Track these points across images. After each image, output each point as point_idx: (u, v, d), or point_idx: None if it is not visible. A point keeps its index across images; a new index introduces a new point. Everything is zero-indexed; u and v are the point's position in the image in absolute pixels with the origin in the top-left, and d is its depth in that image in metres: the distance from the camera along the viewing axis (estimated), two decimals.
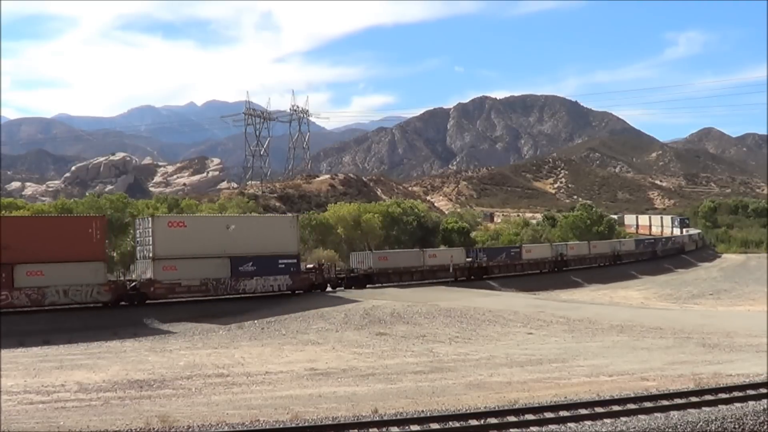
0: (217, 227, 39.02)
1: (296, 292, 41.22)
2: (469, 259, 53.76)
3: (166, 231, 36.63)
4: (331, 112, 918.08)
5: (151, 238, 36.15)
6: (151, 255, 36.07)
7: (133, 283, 36.71)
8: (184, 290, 36.86)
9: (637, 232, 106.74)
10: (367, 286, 45.73)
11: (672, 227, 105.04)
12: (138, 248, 37.95)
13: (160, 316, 34.57)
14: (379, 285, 46.50)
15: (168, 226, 36.98)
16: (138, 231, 38.29)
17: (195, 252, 36.88)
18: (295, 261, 40.85)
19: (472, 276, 53.12)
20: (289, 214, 50.21)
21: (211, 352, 26.85)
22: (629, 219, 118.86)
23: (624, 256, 73.36)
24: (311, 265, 44.53)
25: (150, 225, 36.58)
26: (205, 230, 38.42)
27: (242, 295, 39.07)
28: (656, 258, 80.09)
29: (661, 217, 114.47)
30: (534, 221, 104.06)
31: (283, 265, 40.16)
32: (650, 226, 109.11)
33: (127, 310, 35.30)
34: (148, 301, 36.09)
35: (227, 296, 38.65)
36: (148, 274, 36.18)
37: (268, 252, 39.39)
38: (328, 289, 43.75)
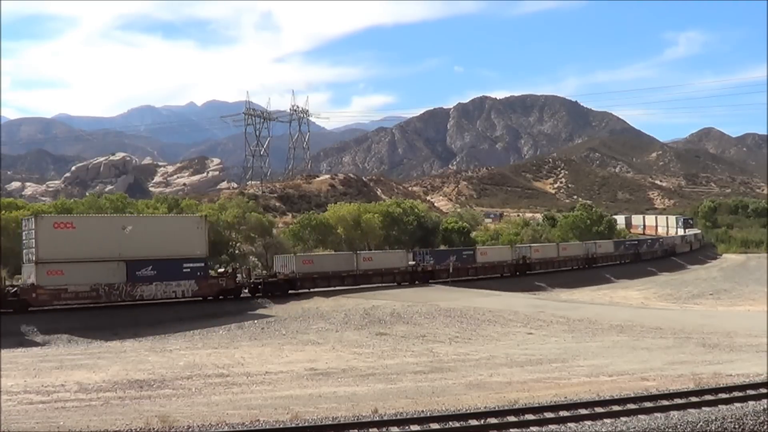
0: (110, 228, 36.26)
1: (208, 299, 38.65)
2: (413, 263, 49.63)
3: (52, 232, 34.01)
4: (331, 112, 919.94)
5: (34, 240, 33.54)
6: (34, 258, 33.45)
7: (15, 289, 34.19)
8: (71, 296, 34.07)
9: (644, 233, 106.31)
10: (290, 292, 41.92)
11: (676, 227, 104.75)
12: (24, 251, 35.19)
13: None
14: (305, 291, 42.58)
15: (54, 227, 34.36)
16: (24, 233, 35.61)
17: (85, 255, 34.21)
18: (202, 265, 38.12)
19: (416, 281, 48.61)
20: (197, 214, 46.29)
21: (211, 352, 26.86)
22: (636, 219, 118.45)
23: (600, 259, 69.07)
24: (222, 269, 42.02)
25: (33, 226, 33.97)
26: (96, 231, 35.66)
27: (139, 302, 36.34)
28: (639, 261, 75.63)
29: (667, 218, 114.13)
30: (533, 221, 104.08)
31: (189, 270, 37.34)
32: (656, 226, 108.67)
33: (4, 318, 32.02)
34: (30, 309, 33.47)
35: (123, 303, 35.97)
36: (32, 279, 33.67)
37: (170, 255, 36.65)
38: (248, 295, 40.86)
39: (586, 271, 65.19)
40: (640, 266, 72.99)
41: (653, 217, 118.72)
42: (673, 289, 58.36)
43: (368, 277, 46.13)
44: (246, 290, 41.27)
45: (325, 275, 44.20)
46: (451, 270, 50.43)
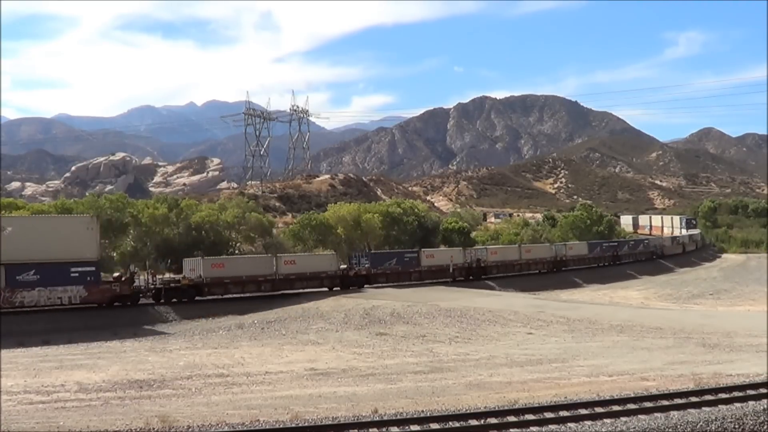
0: None
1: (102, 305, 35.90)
2: (344, 267, 46.90)
3: None
4: (331, 112, 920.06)
5: None
6: None
7: None
8: None
9: (650, 233, 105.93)
10: (197, 298, 39.00)
11: (680, 228, 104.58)
12: None
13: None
14: (216, 297, 39.76)
15: None
16: None
17: None
18: (93, 269, 35.40)
19: (349, 286, 45.07)
20: (86, 214, 42.34)
21: (211, 352, 26.86)
22: (643, 220, 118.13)
23: (571, 262, 64.89)
24: (117, 273, 39.43)
25: None
26: None
27: (20, 309, 33.62)
28: (618, 264, 71.34)
29: (672, 218, 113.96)
30: (533, 221, 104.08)
31: (77, 274, 34.57)
32: (662, 227, 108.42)
33: None
34: None
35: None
36: None
37: (56, 258, 33.93)
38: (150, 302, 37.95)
39: (552, 275, 60.80)
40: (619, 269, 69.25)
41: (659, 217, 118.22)
42: (673, 289, 58.35)
43: (290, 282, 42.30)
44: (150, 296, 37.98)
45: (238, 280, 40.42)
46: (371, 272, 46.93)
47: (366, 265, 47.13)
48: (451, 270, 52.05)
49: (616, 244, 75.12)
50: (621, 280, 64.15)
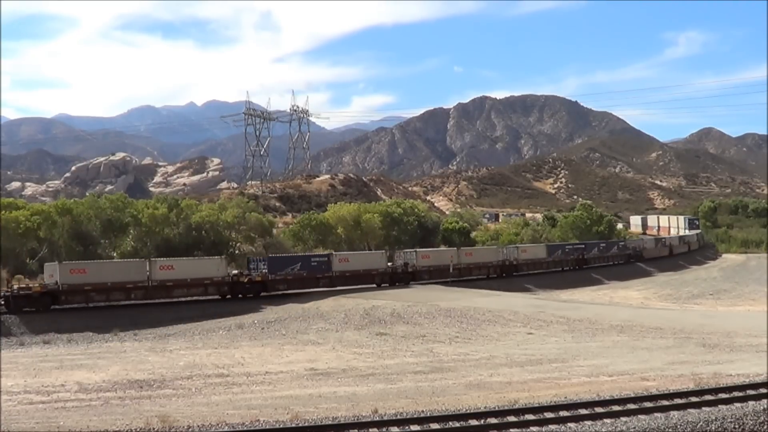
0: None
1: None
2: (236, 272, 42.02)
3: None
4: (331, 112, 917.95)
5: None
6: None
7: None
8: None
9: (658, 233, 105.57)
10: (53, 307, 35.14)
11: (684, 228, 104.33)
12: None
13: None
14: (82, 306, 36.15)
15: None
16: None
17: None
18: None
19: (240, 294, 40.88)
20: None
21: (211, 352, 26.87)
22: (651, 220, 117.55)
23: (524, 266, 58.88)
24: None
25: None
26: None
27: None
28: (585, 268, 65.78)
29: (677, 218, 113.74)
30: (533, 221, 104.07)
31: None
32: (669, 227, 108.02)
33: None
34: None
35: None
36: None
37: None
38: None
39: (500, 280, 54.98)
40: (584, 273, 63.94)
41: (666, 218, 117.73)
42: (673, 289, 58.36)
43: (167, 289, 38.46)
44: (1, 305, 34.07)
45: (103, 287, 36.34)
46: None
47: (264, 270, 42.05)
48: (375, 275, 47.02)
49: (583, 246, 68.50)
50: (583, 285, 58.77)
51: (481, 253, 58.22)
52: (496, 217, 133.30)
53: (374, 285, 46.69)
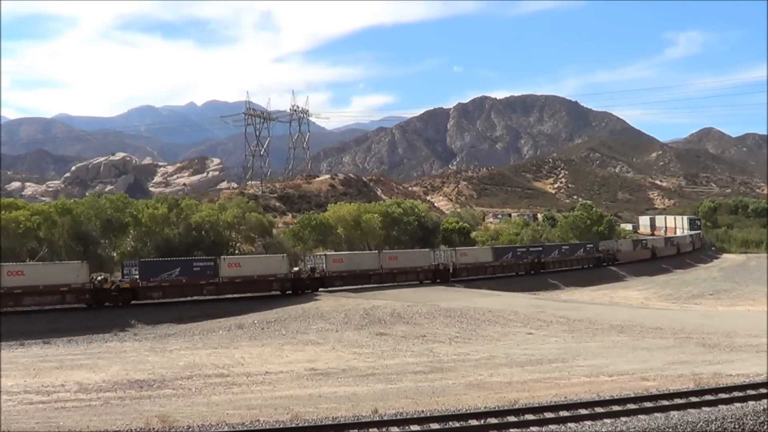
0: None
1: None
2: (100, 278, 38.52)
3: None
4: (331, 112, 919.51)
5: None
6: None
7: None
8: None
9: (665, 234, 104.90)
10: None
11: (685, 228, 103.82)
12: None
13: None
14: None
15: None
16: None
17: None
18: None
19: (106, 302, 37.31)
20: None
21: (211, 352, 26.87)
22: (659, 221, 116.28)
23: (465, 271, 53.18)
24: None
25: None
26: None
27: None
28: (543, 272, 60.07)
29: (683, 218, 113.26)
30: (534, 222, 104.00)
31: None
32: (675, 228, 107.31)
33: None
34: None
35: None
36: None
37: None
38: None
39: (429, 287, 49.32)
40: (539, 279, 58.39)
41: (672, 218, 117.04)
42: (673, 289, 58.35)
43: (15, 297, 34.78)
44: None
45: None
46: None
47: (134, 277, 38.21)
48: (272, 282, 42.45)
49: (540, 249, 63.43)
50: (532, 290, 52.98)
51: (408, 257, 51.29)
52: (510, 215, 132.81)
53: (272, 293, 42.01)
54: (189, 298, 39.66)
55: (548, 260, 61.90)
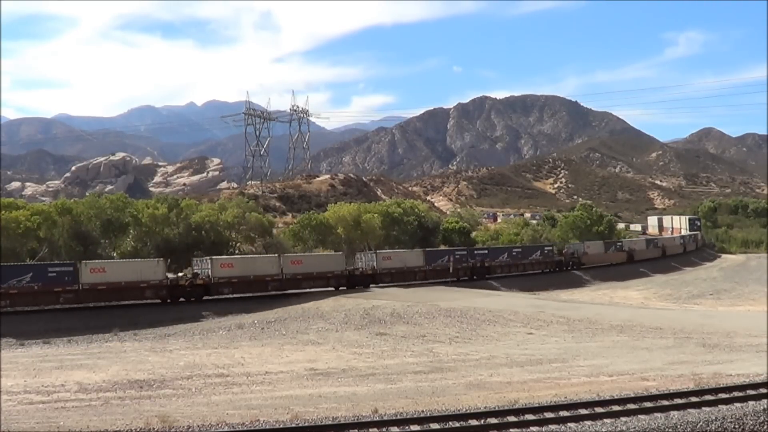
0: None
1: None
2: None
3: None
4: (331, 112, 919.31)
5: None
6: None
7: None
8: None
9: (672, 234, 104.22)
10: None
11: (688, 229, 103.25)
12: None
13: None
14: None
15: None
16: None
17: None
18: None
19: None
20: None
21: (211, 352, 26.87)
22: (666, 221, 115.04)
23: (388, 277, 48.25)
24: None
25: None
26: None
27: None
28: (487, 278, 54.63)
29: (681, 219, 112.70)
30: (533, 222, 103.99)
31: None
32: (680, 228, 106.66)
33: None
34: None
35: None
36: None
37: None
38: None
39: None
40: (482, 284, 52.11)
41: (678, 218, 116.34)
42: (673, 289, 58.36)
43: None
44: None
45: None
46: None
47: None
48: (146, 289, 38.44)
49: (485, 251, 58.34)
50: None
51: (315, 260, 47.04)
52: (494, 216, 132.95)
53: (142, 301, 38.35)
54: (43, 308, 35.63)
55: (494, 264, 56.43)
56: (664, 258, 79.94)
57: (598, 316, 36.23)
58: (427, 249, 55.03)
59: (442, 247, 62.62)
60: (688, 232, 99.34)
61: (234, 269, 41.61)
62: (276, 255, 45.86)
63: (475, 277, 53.77)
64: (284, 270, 42.99)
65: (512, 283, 55.00)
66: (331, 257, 48.32)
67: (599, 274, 64.36)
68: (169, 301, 38.98)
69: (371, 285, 46.61)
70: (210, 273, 40.32)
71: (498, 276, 55.98)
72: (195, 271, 41.03)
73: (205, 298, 39.94)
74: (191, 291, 39.69)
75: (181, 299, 39.37)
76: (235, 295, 40.98)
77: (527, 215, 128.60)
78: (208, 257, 42.63)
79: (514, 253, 59.77)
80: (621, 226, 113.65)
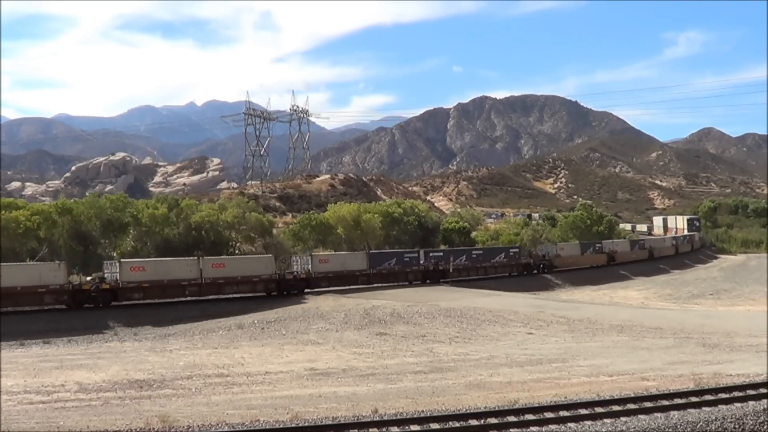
0: None
1: None
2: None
3: None
4: (331, 112, 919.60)
5: None
6: None
7: None
8: None
9: (677, 234, 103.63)
10: None
11: (687, 228, 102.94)
12: None
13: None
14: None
15: None
16: None
17: None
18: None
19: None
20: None
21: (211, 352, 26.87)
22: (671, 222, 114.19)
23: (324, 281, 45.18)
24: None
25: None
26: None
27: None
28: (435, 282, 50.35)
29: (679, 218, 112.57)
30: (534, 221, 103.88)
31: None
32: (683, 228, 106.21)
33: None
34: None
35: None
36: None
37: None
38: None
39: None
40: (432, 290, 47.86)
41: (682, 218, 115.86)
42: (673, 289, 58.35)
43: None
44: None
45: None
46: None
47: None
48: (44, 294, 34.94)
49: (440, 253, 53.64)
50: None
51: (241, 263, 43.07)
52: (502, 215, 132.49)
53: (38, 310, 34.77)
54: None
55: (451, 267, 51.68)
56: (651, 260, 76.50)
57: (598, 316, 36.23)
58: (372, 251, 52.32)
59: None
60: (686, 233, 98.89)
61: (146, 273, 38.29)
62: (195, 258, 42.09)
63: (428, 281, 50.31)
64: (204, 274, 39.84)
65: (470, 287, 49.86)
66: (259, 260, 44.29)
67: (572, 278, 60.32)
68: (65, 307, 35.74)
69: (306, 290, 43.41)
70: (118, 277, 37.30)
71: (456, 280, 51.49)
72: (104, 274, 38.29)
73: (113, 303, 37.02)
74: (96, 296, 36.44)
75: (87, 305, 36.18)
76: (146, 301, 37.90)
77: (535, 215, 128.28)
78: (117, 260, 39.71)
79: (474, 256, 56.18)
80: (627, 227, 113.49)
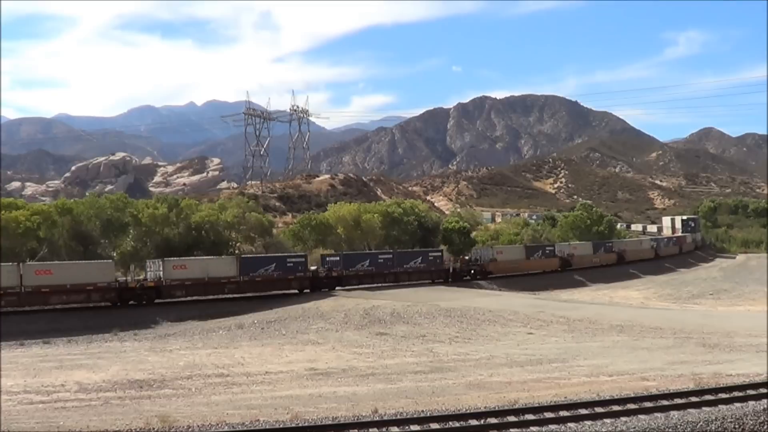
0: None
1: None
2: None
3: None
4: (331, 112, 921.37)
5: None
6: None
7: None
8: None
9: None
10: None
11: (684, 229, 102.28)
12: None
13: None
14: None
15: None
16: None
17: None
18: None
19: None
20: None
21: (211, 352, 26.88)
22: (677, 222, 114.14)
23: (180, 290, 40.13)
24: None
25: None
26: None
27: None
28: (332, 289, 45.42)
29: (676, 219, 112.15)
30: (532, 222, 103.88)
31: None
32: (679, 229, 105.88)
33: None
34: None
35: None
36: None
37: None
38: None
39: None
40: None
41: (678, 219, 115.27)
42: (673, 289, 58.34)
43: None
44: None
45: None
46: None
47: None
48: None
49: (337, 258, 48.19)
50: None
51: (72, 270, 37.48)
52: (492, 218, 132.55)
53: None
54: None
55: (349, 274, 46.87)
56: (621, 265, 69.52)
57: (598, 316, 36.23)
58: (244, 255, 46.55)
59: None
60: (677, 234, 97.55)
61: (55, 276, 35.79)
62: (15, 263, 36.47)
63: (325, 290, 44.55)
64: (25, 281, 35.26)
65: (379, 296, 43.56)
66: (94, 266, 38.90)
67: (511, 284, 54.59)
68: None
69: (156, 300, 38.80)
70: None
71: (355, 287, 46.18)
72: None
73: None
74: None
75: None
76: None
77: (524, 215, 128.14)
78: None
79: (380, 260, 49.17)
80: (638, 228, 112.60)
